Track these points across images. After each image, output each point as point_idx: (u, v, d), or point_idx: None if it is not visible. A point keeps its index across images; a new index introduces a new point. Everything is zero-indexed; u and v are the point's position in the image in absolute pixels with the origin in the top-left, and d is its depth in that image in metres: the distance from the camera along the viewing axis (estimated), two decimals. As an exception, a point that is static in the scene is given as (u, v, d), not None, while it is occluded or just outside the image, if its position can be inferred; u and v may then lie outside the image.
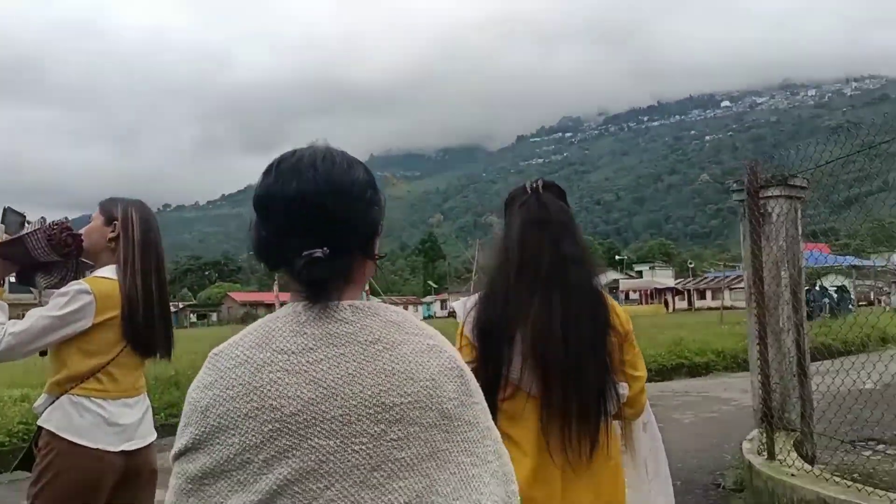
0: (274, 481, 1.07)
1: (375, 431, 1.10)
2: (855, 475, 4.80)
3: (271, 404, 1.09)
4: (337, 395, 1.10)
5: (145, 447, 2.63)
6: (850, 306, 31.05)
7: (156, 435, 2.73)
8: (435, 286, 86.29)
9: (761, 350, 4.65)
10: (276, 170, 1.19)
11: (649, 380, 2.25)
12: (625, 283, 72.67)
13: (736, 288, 60.73)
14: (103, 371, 2.52)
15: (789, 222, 5.41)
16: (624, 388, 2.08)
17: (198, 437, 1.12)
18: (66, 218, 2.72)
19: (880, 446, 6.34)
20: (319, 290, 1.15)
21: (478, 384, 1.23)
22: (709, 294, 64.66)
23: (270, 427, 1.08)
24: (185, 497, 1.12)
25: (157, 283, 2.67)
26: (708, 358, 13.89)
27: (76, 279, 2.62)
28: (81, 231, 2.69)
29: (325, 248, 1.13)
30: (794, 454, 4.72)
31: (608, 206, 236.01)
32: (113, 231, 2.64)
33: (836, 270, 37.80)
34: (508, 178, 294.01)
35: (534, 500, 1.92)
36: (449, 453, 1.13)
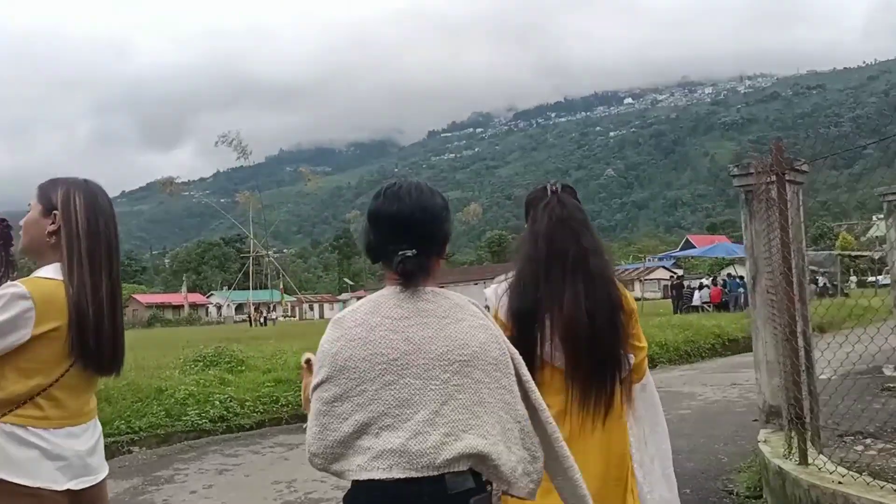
0: (381, 404, 1.65)
1: (444, 378, 1.67)
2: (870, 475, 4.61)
3: (381, 352, 1.68)
4: (422, 350, 1.69)
5: (96, 485, 2.15)
6: (762, 295, 32.31)
7: (107, 469, 2.21)
8: (351, 283, 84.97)
9: (792, 347, 4.37)
10: (384, 194, 1.82)
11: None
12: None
13: (646, 280, 62.70)
14: (44, 394, 2.05)
15: (794, 210, 5.18)
16: (631, 358, 2.49)
17: (329, 374, 1.70)
18: None
19: (868, 440, 6.26)
20: (410, 278, 1.73)
21: (518, 353, 1.83)
22: (627, 290, 66.26)
23: (379, 368, 1.67)
24: (322, 416, 1.69)
25: (110, 283, 2.18)
26: (652, 351, 13.87)
27: (7, 280, 2.23)
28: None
29: (413, 250, 1.72)
30: (823, 458, 4.47)
31: (518, 201, 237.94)
32: (53, 223, 2.16)
33: (737, 261, 39.52)
34: (421, 173, 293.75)
35: None
36: (490, 404, 1.69)
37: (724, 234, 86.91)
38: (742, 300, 30.67)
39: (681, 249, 69.54)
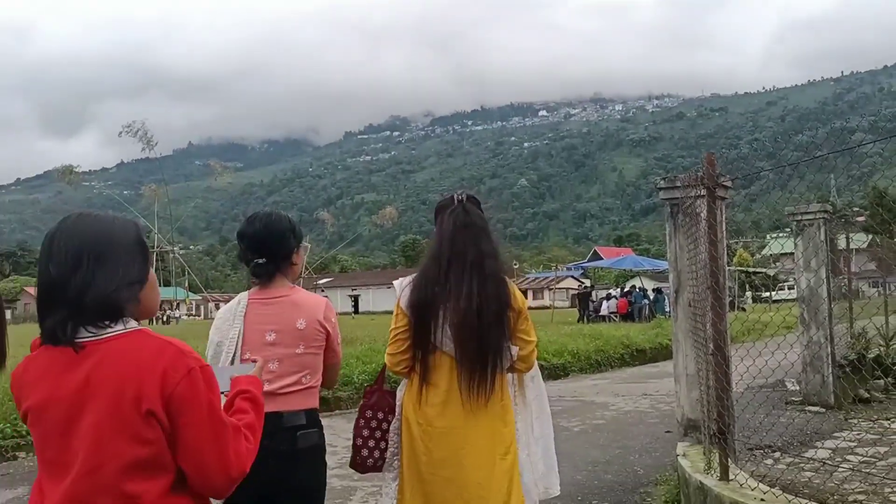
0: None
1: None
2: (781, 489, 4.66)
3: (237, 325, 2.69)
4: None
5: None
6: (666, 307, 33.42)
7: None
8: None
9: (718, 361, 4.35)
10: (247, 220, 2.76)
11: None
12: (453, 282, 73.87)
13: (555, 288, 63.98)
14: None
15: (718, 224, 5.22)
16: (515, 350, 2.84)
17: (219, 343, 2.72)
18: None
19: (776, 454, 6.38)
20: (261, 278, 2.71)
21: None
22: (530, 294, 67.41)
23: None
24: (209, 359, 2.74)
25: None
26: (565, 359, 14.02)
27: None
28: None
29: (263, 259, 2.68)
30: (744, 474, 4.48)
31: (433, 206, 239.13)
32: None
33: (642, 273, 40.81)
34: (336, 174, 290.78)
35: (442, 426, 2.76)
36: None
37: (630, 246, 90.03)
38: (647, 311, 31.65)
39: (589, 260, 71.38)
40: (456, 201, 2.89)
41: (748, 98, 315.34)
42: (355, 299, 75.81)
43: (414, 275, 2.91)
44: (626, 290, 36.39)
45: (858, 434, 6.46)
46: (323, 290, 62.03)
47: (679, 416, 5.64)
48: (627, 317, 30.88)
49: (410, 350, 2.84)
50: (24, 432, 7.43)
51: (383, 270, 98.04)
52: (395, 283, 2.95)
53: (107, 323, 1.62)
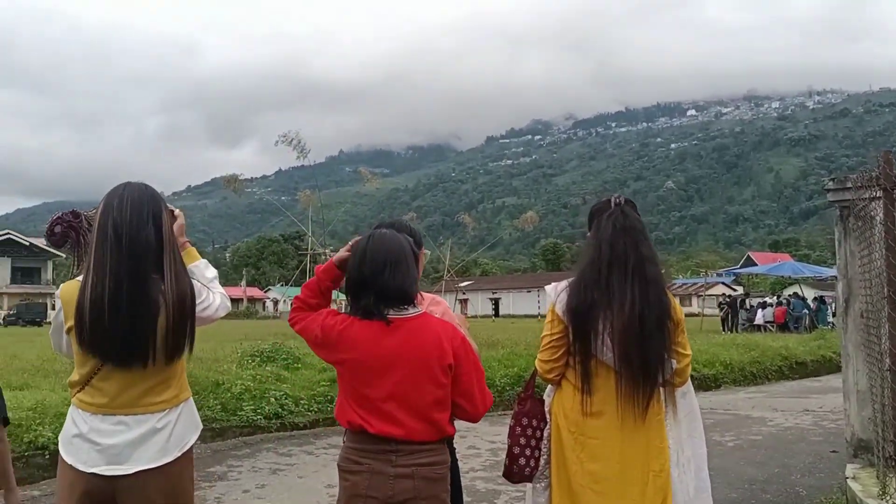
0: None
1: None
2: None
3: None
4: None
5: (130, 475, 2.23)
6: (829, 318, 30.97)
7: (155, 462, 2.25)
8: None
9: (895, 378, 3.99)
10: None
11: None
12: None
13: (705, 295, 61.01)
14: (91, 382, 2.28)
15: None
16: (673, 363, 2.72)
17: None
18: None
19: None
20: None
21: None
22: (676, 301, 64.65)
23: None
24: None
25: (114, 281, 2.23)
26: (716, 370, 13.38)
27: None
28: (60, 215, 2.51)
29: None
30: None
31: (575, 210, 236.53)
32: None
33: (801, 281, 38.07)
34: (478, 178, 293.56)
35: (597, 438, 2.67)
36: None
37: (788, 252, 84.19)
38: (807, 321, 29.51)
39: (741, 266, 67.54)
40: (613, 204, 2.80)
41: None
42: (496, 302, 76.15)
43: (570, 279, 2.81)
44: (781, 298, 34.08)
45: None
46: (464, 293, 62.86)
47: (848, 436, 5.24)
48: (784, 327, 29.01)
49: (564, 357, 2.78)
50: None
51: (524, 274, 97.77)
52: (548, 287, 2.87)
53: (405, 307, 2.41)
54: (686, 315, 2.91)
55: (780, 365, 14.88)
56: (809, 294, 34.78)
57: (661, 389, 2.76)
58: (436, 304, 3.03)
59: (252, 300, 79.62)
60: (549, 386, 2.94)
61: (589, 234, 2.89)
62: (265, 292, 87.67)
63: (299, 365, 10.55)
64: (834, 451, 6.95)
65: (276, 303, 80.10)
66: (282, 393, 9.02)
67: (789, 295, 34.76)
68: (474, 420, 2.50)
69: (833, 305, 35.83)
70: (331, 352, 2.44)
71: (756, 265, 55.57)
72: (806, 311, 30.44)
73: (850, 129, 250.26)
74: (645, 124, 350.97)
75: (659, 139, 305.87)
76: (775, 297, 35.87)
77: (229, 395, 8.64)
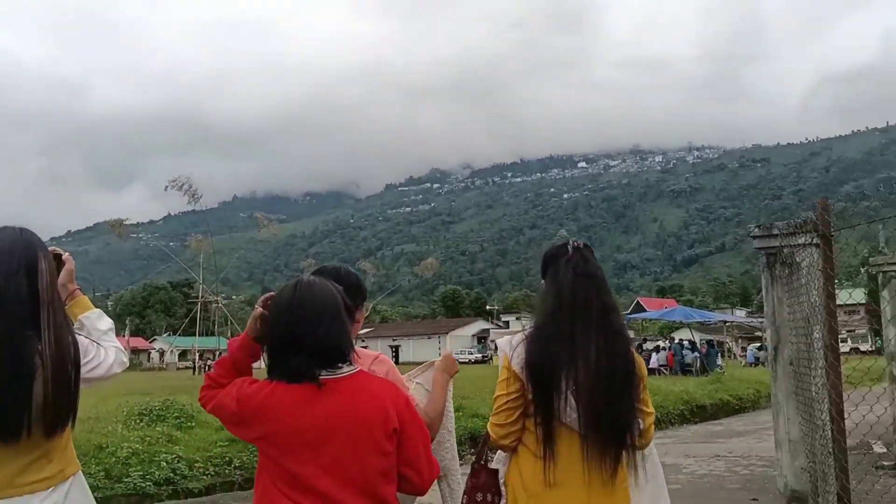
0: None
1: None
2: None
3: None
4: None
5: None
6: (718, 361, 32.25)
7: None
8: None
9: (839, 429, 3.88)
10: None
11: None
12: (494, 333, 73.20)
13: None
14: None
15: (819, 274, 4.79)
16: (640, 423, 2.43)
17: None
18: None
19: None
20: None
21: None
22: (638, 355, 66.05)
23: None
24: None
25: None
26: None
27: None
28: None
29: None
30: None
31: (473, 257, 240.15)
32: None
33: (687, 325, 39.63)
34: (377, 225, 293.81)
35: None
36: None
37: (673, 297, 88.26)
38: (698, 365, 30.61)
39: (632, 311, 69.96)
40: (571, 248, 2.54)
41: (790, 149, 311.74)
42: (396, 350, 75.43)
43: (525, 332, 2.54)
44: (673, 343, 35.34)
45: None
46: (363, 340, 61.86)
47: (781, 487, 5.14)
48: (673, 371, 30.10)
49: (521, 420, 2.47)
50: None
51: (423, 321, 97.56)
52: (500, 341, 2.60)
53: (339, 365, 2.08)
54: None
55: (682, 409, 15.13)
56: (698, 338, 36.14)
57: (625, 453, 2.46)
58: (379, 363, 2.65)
59: (136, 351, 75.39)
60: (500, 453, 2.61)
61: (544, 281, 2.61)
62: (150, 342, 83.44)
63: (193, 423, 9.71)
64: (754, 500, 6.90)
65: (161, 353, 76.32)
66: (174, 456, 8.21)
67: (679, 340, 35.99)
68: (421, 492, 2.21)
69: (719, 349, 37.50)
70: (251, 427, 2.05)
71: (646, 310, 57.66)
72: (696, 354, 31.56)
73: (726, 181, 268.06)
74: (539, 175, 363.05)
75: (552, 189, 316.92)
76: (667, 342, 37.08)
77: (114, 459, 7.78)
